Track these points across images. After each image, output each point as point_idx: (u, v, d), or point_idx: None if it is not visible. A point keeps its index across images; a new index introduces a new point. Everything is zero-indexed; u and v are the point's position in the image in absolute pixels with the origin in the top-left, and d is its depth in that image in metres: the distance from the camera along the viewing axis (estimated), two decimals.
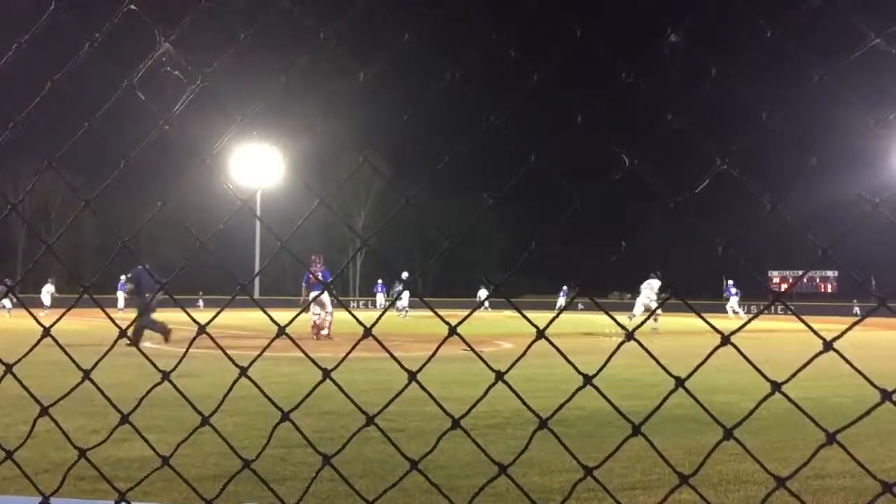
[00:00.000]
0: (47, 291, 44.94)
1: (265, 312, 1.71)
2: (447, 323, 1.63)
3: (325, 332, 21.53)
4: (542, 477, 5.71)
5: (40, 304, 42.53)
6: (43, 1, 1.76)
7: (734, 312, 44.15)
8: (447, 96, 1.64)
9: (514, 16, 1.51)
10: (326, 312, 21.74)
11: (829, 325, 1.67)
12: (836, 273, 75.40)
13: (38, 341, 1.73)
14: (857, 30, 1.29)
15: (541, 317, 1.66)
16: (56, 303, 43.39)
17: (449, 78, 1.52)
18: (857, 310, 59.00)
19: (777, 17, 1.36)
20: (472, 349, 1.66)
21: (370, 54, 1.63)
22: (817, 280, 77.61)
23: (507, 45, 1.50)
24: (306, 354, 1.66)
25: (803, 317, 1.53)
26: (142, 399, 1.74)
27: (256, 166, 56.52)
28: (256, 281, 62.75)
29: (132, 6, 1.62)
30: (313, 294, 21.12)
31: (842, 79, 1.34)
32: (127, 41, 1.99)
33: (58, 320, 1.82)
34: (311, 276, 21.07)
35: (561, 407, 1.59)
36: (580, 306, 51.18)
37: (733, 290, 48.30)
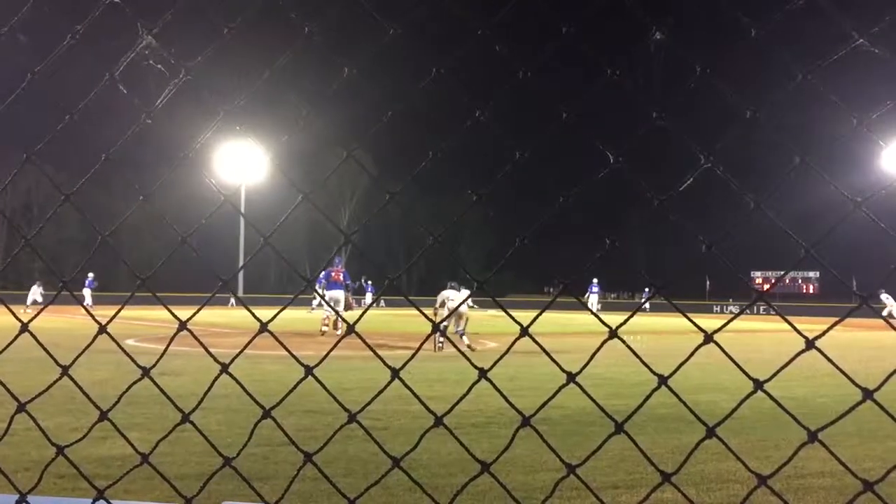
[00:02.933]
0: (34, 292, 44.30)
1: (247, 308, 1.70)
2: (430, 320, 1.63)
3: (339, 331, 21.58)
4: (525, 475, 5.71)
5: (25, 303, 41.94)
6: None
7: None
8: (434, 93, 1.63)
9: (500, 11, 1.51)
10: (339, 311, 21.85)
11: (810, 326, 1.68)
12: (818, 274, 75.96)
13: (15, 337, 1.71)
14: (841, 30, 1.29)
15: (525, 316, 1.66)
16: (45, 302, 42.76)
17: (434, 73, 1.52)
18: (731, 308, 60.24)
19: (762, 16, 1.37)
20: (456, 346, 1.66)
21: (355, 50, 1.62)
22: (799, 281, 78.17)
23: (492, 41, 1.49)
24: (289, 352, 1.65)
25: (786, 317, 1.54)
26: (121, 396, 1.73)
27: (241, 162, 56.32)
28: (240, 278, 62.44)
29: None
30: (330, 293, 21.68)
31: (825, 78, 1.35)
32: (111, 34, 1.97)
33: (35, 316, 1.80)
34: (332, 273, 21.62)
35: (544, 405, 1.59)
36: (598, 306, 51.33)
37: (594, 289, 49.08)
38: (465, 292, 18.75)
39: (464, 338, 18.14)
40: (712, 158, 1.39)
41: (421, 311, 1.69)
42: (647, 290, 56.64)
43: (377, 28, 1.56)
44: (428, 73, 1.55)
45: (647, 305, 48.01)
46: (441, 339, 17.83)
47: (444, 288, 19.48)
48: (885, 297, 43.04)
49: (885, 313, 42.67)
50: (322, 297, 1.85)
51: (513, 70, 1.49)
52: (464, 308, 18.42)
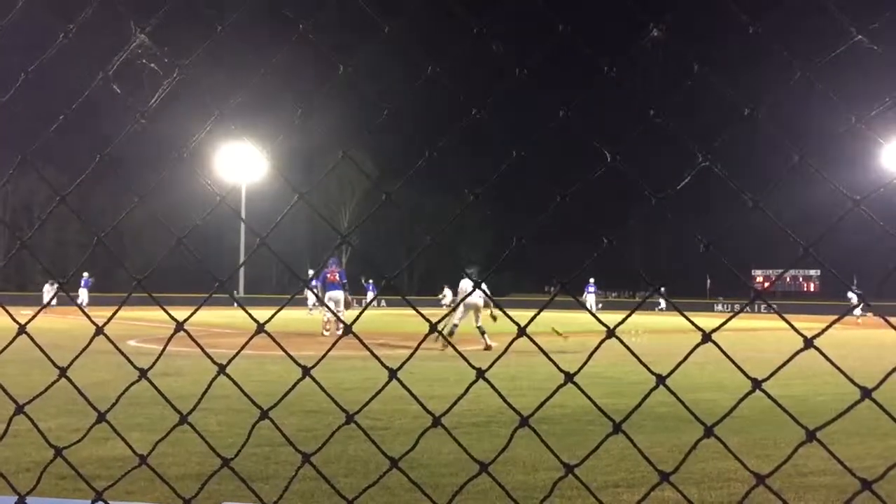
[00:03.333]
0: (48, 292, 44.24)
1: (244, 309, 1.70)
2: (428, 320, 1.62)
3: (339, 330, 21.43)
4: (525, 475, 5.71)
5: (29, 303, 41.82)
6: None
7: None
8: (433, 93, 1.63)
9: (497, 10, 1.50)
10: (338, 311, 21.88)
11: (811, 324, 1.68)
12: (819, 272, 76.00)
13: (13, 339, 1.71)
14: (840, 26, 1.29)
15: (524, 315, 1.65)
16: (59, 302, 42.45)
17: (429, 70, 1.51)
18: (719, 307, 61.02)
19: (761, 13, 1.36)
20: (454, 346, 1.65)
21: (353, 49, 1.62)
22: (800, 279, 78.25)
23: (489, 40, 1.49)
24: (286, 353, 1.64)
25: (786, 315, 1.53)
26: (119, 398, 1.72)
27: (242, 161, 56.44)
28: (241, 279, 62.43)
29: None
30: (329, 293, 21.83)
31: (824, 75, 1.35)
32: (104, 33, 1.97)
33: (32, 318, 1.80)
34: (327, 275, 21.77)
35: (542, 404, 1.58)
36: (599, 305, 51.29)
37: (591, 289, 49.08)
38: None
39: (484, 336, 17.40)
40: (710, 157, 1.39)
41: (418, 312, 1.68)
42: (661, 289, 56.52)
43: (375, 27, 1.56)
44: (427, 73, 1.54)
45: (662, 305, 48.10)
46: (485, 336, 17.21)
47: (462, 278, 18.48)
48: (851, 294, 43.05)
49: (856, 311, 42.72)
50: (319, 298, 1.84)
51: (510, 68, 1.49)
52: (479, 300, 17.82)
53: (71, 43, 1.65)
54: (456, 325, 17.62)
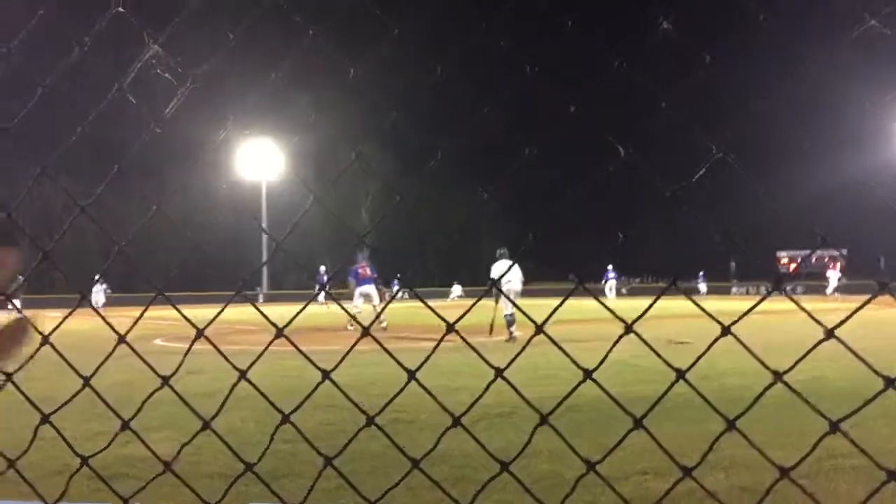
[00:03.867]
0: (97, 292, 44.82)
1: (262, 314, 1.71)
2: (444, 319, 1.63)
3: (383, 324, 21.30)
4: (550, 464, 5.70)
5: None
6: (33, 5, 1.75)
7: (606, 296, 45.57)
8: (443, 91, 1.63)
9: (504, 6, 1.50)
10: (373, 305, 22.11)
11: (836, 304, 1.67)
12: (845, 251, 75.18)
13: (38, 349, 1.73)
14: (853, 12, 1.27)
15: (547, 304, 1.65)
16: (110, 302, 42.85)
17: (439, 72, 1.51)
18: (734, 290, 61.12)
19: (770, 1, 1.35)
20: (471, 346, 1.66)
21: (361, 50, 1.62)
22: (826, 259, 77.57)
23: (497, 37, 1.49)
24: (305, 356, 1.65)
25: (812, 296, 1.53)
26: (143, 404, 1.75)
27: (258, 163, 56.91)
28: (263, 276, 62.88)
29: (120, 9, 1.61)
30: (361, 289, 22.15)
31: (838, 61, 1.33)
32: (119, 44, 1.98)
33: (57, 327, 1.82)
34: (359, 270, 22.03)
35: (560, 403, 1.59)
36: (623, 291, 51.67)
37: (611, 275, 49.09)
38: (508, 263, 16.23)
39: (512, 327, 16.99)
40: (723, 147, 1.38)
41: (431, 309, 1.69)
42: (701, 273, 56.88)
43: (385, 28, 1.56)
44: (442, 71, 1.54)
45: (704, 289, 48.22)
46: (511, 328, 16.91)
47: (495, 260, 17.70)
48: (830, 272, 43.04)
49: (828, 291, 42.44)
50: (332, 295, 1.86)
51: (520, 66, 1.49)
52: (518, 286, 17.30)
53: (85, 54, 1.67)
54: (510, 315, 17.02)
